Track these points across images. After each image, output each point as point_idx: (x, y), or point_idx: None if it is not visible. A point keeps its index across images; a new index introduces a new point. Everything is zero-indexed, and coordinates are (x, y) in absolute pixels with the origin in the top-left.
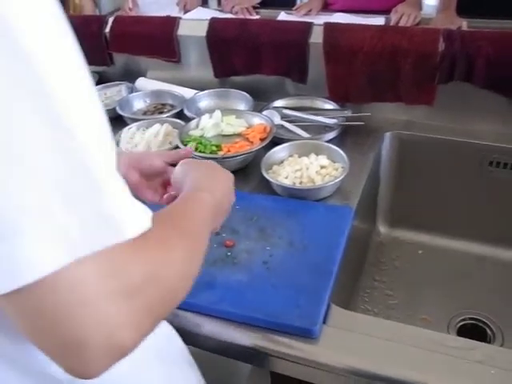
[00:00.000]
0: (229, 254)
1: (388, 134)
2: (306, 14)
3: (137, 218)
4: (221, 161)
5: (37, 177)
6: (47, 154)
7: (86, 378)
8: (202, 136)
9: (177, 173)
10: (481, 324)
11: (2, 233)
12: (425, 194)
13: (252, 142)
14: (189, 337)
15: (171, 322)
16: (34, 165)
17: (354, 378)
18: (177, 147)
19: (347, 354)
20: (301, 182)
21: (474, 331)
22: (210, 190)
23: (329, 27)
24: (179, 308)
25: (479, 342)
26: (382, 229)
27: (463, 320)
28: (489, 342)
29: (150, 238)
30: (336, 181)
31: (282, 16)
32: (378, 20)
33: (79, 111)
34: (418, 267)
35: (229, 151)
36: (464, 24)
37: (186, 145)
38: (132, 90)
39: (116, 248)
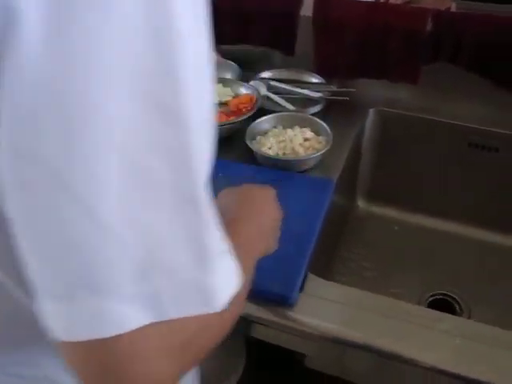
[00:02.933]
0: None
1: (372, 111)
2: None
3: (229, 286)
4: None
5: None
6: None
7: None
8: None
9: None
10: (450, 299)
11: (97, 287)
12: (404, 172)
13: (237, 112)
14: None
15: None
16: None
17: (328, 344)
18: None
19: (323, 321)
20: (284, 153)
21: (443, 306)
22: (249, 219)
23: (319, 1)
24: None
25: (446, 314)
26: (361, 203)
27: (433, 295)
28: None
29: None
30: (319, 153)
31: None
32: None
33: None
34: (393, 242)
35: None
36: (453, 6)
37: None
38: None
39: None
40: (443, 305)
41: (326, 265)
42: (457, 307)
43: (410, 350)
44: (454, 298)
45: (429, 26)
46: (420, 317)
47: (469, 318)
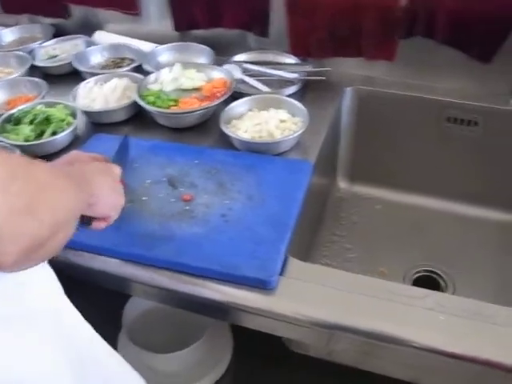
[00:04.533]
0: (187, 208)
1: (348, 90)
2: None
3: None
4: (179, 116)
5: None
6: None
7: None
8: (160, 90)
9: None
10: (435, 276)
11: None
12: (384, 150)
13: (211, 97)
14: (147, 292)
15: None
16: None
17: (312, 328)
18: (135, 102)
19: (304, 305)
20: (260, 137)
21: (428, 282)
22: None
23: None
24: (137, 262)
25: (430, 291)
26: (342, 184)
27: (418, 272)
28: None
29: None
30: (295, 135)
31: None
32: None
33: None
34: (376, 222)
35: (187, 106)
36: None
37: (143, 99)
38: (90, 44)
39: None
40: (428, 281)
41: (308, 248)
42: (441, 283)
43: (395, 329)
44: (438, 274)
45: (403, 1)
46: (404, 295)
47: (453, 293)
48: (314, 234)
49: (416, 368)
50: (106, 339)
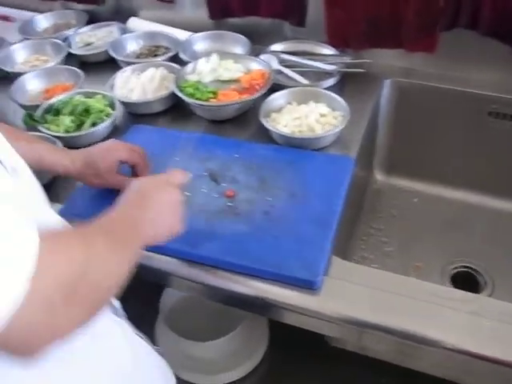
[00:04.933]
0: (230, 204)
1: (387, 82)
2: None
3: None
4: (219, 108)
5: None
6: None
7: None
8: (198, 81)
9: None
10: (473, 272)
11: None
12: (422, 143)
13: (250, 89)
14: (191, 287)
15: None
16: None
17: (354, 328)
18: (173, 93)
19: (348, 305)
20: (300, 131)
21: (465, 279)
22: (143, 208)
23: None
24: (181, 259)
25: (474, 294)
26: (379, 176)
27: (456, 268)
28: (480, 290)
29: (71, 241)
30: (336, 130)
31: None
32: None
33: None
34: (413, 215)
35: (226, 98)
36: None
37: (182, 90)
38: (124, 31)
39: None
40: (467, 278)
41: (345, 242)
42: (480, 279)
43: (438, 333)
44: (476, 271)
45: None
46: (447, 298)
47: (492, 290)
48: (351, 227)
49: (457, 369)
50: (143, 325)
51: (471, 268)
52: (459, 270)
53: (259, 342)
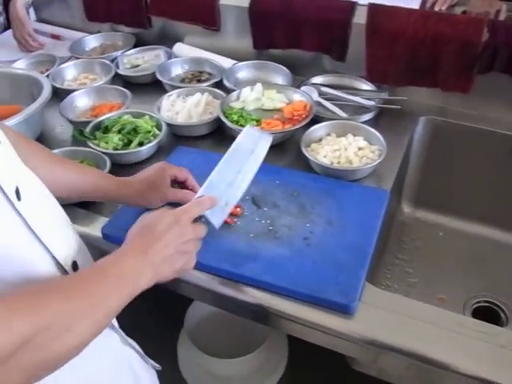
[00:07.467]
0: (270, 228)
1: (422, 119)
2: None
3: None
4: None
5: None
6: None
7: None
8: (242, 109)
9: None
10: (495, 307)
11: None
12: (451, 179)
13: (292, 119)
14: (229, 303)
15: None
16: None
17: (386, 354)
18: (218, 118)
19: (381, 330)
20: (339, 162)
21: (488, 314)
22: (143, 250)
23: (373, 9)
24: (222, 277)
25: (502, 328)
26: (407, 209)
27: (478, 302)
28: (502, 326)
29: (16, 311)
30: (374, 164)
31: None
32: (414, 1)
33: None
34: (438, 248)
35: (270, 127)
36: (504, 7)
37: (227, 116)
38: (170, 56)
39: None
40: (488, 312)
41: (373, 270)
42: (502, 315)
43: (465, 364)
44: (498, 306)
45: (485, 36)
46: (473, 330)
47: None
48: (378, 256)
49: None
50: (166, 338)
51: (493, 303)
52: (481, 304)
53: (280, 360)
